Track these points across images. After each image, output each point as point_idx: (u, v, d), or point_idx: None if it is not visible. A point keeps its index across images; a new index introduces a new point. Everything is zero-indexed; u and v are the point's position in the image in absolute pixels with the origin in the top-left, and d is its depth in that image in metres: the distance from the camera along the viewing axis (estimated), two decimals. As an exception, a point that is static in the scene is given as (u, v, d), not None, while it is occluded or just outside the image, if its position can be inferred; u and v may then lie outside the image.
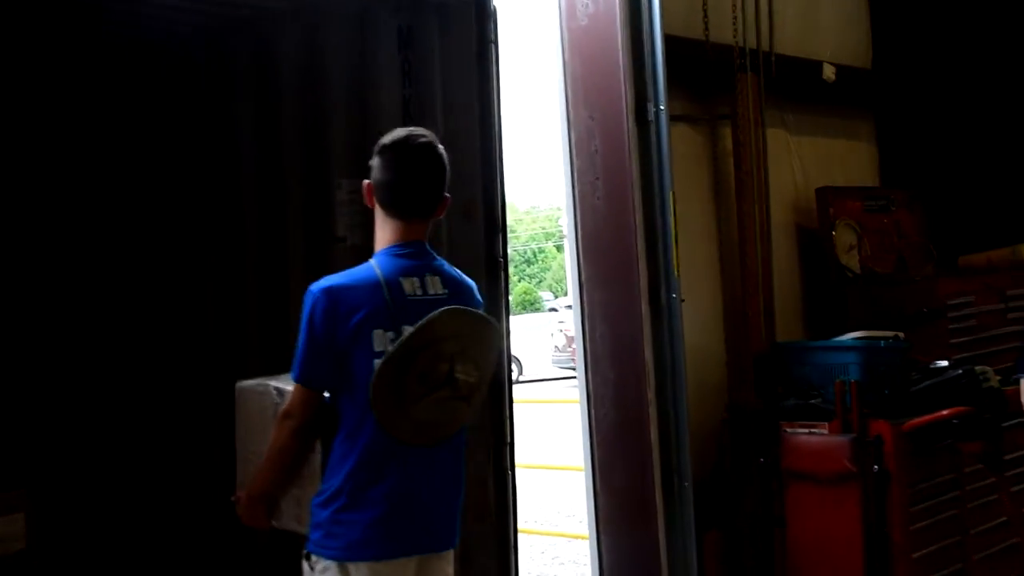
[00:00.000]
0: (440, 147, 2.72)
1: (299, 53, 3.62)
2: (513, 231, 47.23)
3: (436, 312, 2.54)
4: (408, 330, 2.53)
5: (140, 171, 3.22)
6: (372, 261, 2.67)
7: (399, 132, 2.73)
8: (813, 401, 4.16)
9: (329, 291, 2.59)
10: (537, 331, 21.68)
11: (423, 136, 2.72)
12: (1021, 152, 5.28)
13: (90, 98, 3.08)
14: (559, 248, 40.44)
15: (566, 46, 4.20)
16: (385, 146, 2.69)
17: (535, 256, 47.10)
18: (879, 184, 5.59)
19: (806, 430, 4.09)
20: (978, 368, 4.18)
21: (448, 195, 2.76)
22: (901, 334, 4.33)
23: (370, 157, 2.71)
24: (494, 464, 3.87)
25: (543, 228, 46.87)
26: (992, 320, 4.78)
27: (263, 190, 3.48)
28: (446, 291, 2.68)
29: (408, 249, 2.68)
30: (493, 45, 4.02)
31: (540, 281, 43.39)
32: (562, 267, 34.20)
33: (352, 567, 2.59)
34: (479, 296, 2.83)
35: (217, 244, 3.69)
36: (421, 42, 3.82)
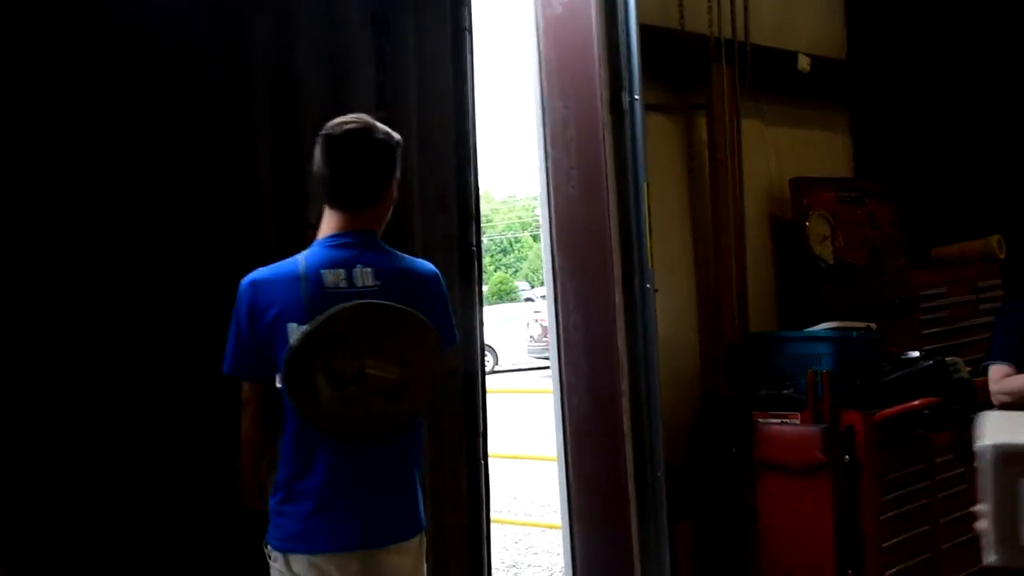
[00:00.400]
0: (378, 133, 2.67)
1: (270, 40, 3.59)
2: (490, 221, 47.23)
3: (337, 307, 2.49)
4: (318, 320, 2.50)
5: (104, 157, 3.18)
6: (302, 253, 2.63)
7: (332, 121, 2.69)
8: (786, 391, 4.17)
9: (252, 284, 2.60)
10: (513, 321, 21.67)
11: (352, 123, 2.67)
12: (993, 144, 5.32)
13: (50, 85, 3.04)
14: (535, 238, 40.49)
15: (541, 34, 4.18)
16: (319, 136, 2.66)
17: (511, 246, 47.12)
18: (853, 175, 5.62)
19: (778, 420, 4.11)
20: (949, 359, 4.21)
21: (394, 182, 2.71)
22: (873, 325, 4.36)
23: None
24: (467, 454, 3.85)
25: (520, 218, 46.91)
26: (963, 311, 4.82)
27: (233, 178, 3.44)
28: (377, 284, 2.61)
29: (343, 240, 2.64)
30: (468, 33, 4.00)
31: (516, 271, 43.41)
32: (538, 257, 34.28)
33: (293, 559, 2.59)
34: (436, 289, 2.75)
35: (185, 231, 3.65)
36: (395, 30, 3.79)
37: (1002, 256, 4.99)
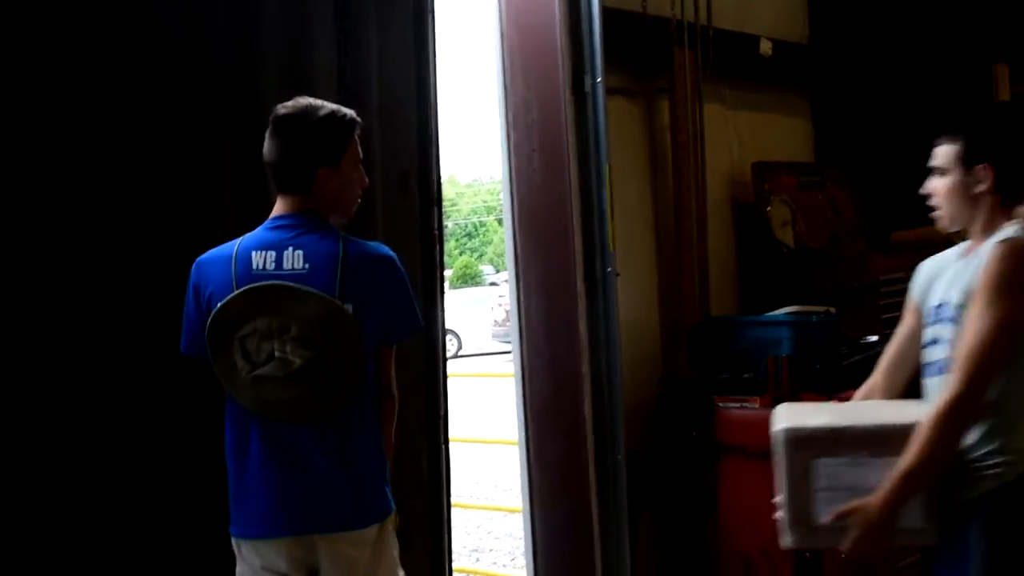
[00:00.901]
0: (317, 114, 2.66)
1: (230, 21, 3.54)
2: (454, 204, 47.18)
3: (238, 290, 2.53)
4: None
5: (58, 142, 3.12)
6: (244, 235, 2.66)
7: (279, 106, 2.72)
8: (746, 375, 4.19)
9: (197, 265, 2.66)
10: (477, 305, 21.67)
11: (287, 107, 2.68)
12: (951, 129, 5.35)
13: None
14: (500, 222, 40.38)
15: (504, 16, 4.16)
16: (269, 121, 2.70)
17: (476, 229, 47.10)
18: (814, 160, 5.64)
19: (738, 404, 4.13)
20: (907, 343, 4.23)
21: (343, 162, 2.68)
22: (833, 309, 4.39)
23: None
24: (428, 438, 3.84)
25: (484, 202, 46.89)
26: (922, 296, 4.85)
27: (193, 162, 3.40)
28: (306, 266, 2.58)
29: (281, 222, 2.64)
30: (430, 16, 3.97)
31: (481, 255, 43.41)
32: (503, 241, 34.31)
33: (242, 544, 2.62)
34: (391, 273, 2.70)
35: (145, 216, 3.61)
36: (357, 12, 3.76)
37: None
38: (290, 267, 2.58)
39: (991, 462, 2.55)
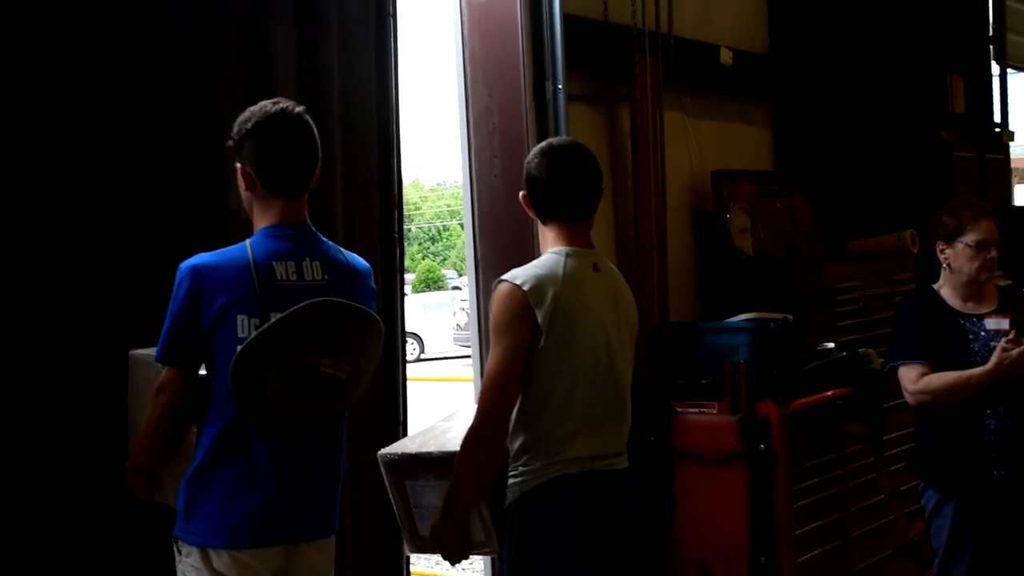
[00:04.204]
0: (307, 116, 2.66)
1: (189, 22, 3.52)
2: (418, 208, 47.08)
3: (298, 306, 2.45)
4: (277, 317, 2.45)
5: (14, 140, 3.09)
6: (248, 241, 2.57)
7: (267, 106, 2.62)
8: (704, 381, 4.22)
9: (196, 270, 2.52)
10: (440, 309, 21.61)
11: (296, 107, 2.63)
12: (906, 141, 5.44)
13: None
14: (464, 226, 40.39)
15: (465, 22, 4.17)
16: (260, 123, 2.59)
17: (440, 234, 47.01)
18: (774, 169, 5.69)
19: (696, 410, 4.15)
20: (862, 350, 4.29)
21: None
22: (790, 316, 4.42)
23: None
24: (387, 443, 3.83)
25: (449, 206, 46.80)
26: (878, 304, 4.92)
27: (152, 164, 3.38)
28: (325, 277, 2.59)
29: (289, 231, 2.59)
30: (391, 19, 3.97)
31: (444, 259, 43.32)
32: (466, 245, 34.16)
33: (213, 554, 2.52)
34: (370, 283, 2.75)
35: (103, 216, 3.58)
36: (318, 14, 3.75)
37: (915, 250, 5.10)
38: (311, 278, 2.57)
39: (519, 471, 2.75)
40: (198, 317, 2.50)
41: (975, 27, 6.33)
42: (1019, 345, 3.33)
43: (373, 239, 3.87)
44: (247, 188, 2.64)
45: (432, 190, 51.18)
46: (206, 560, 2.52)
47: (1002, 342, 3.37)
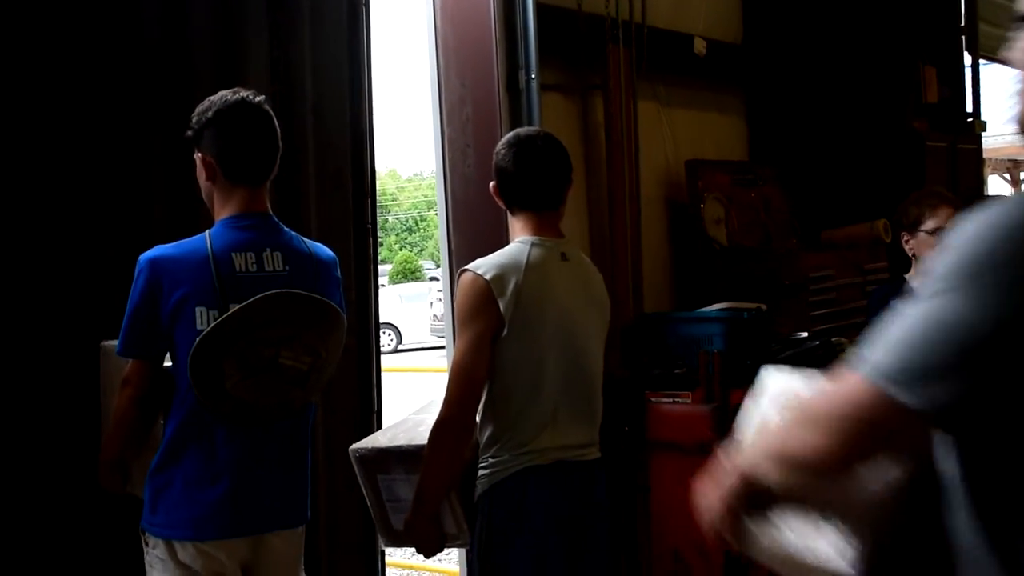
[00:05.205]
0: (267, 104, 2.65)
1: (160, 11, 3.49)
2: (395, 199, 46.97)
3: (255, 298, 2.43)
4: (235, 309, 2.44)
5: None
6: (208, 232, 2.55)
7: (227, 95, 2.60)
8: (677, 371, 4.23)
9: (153, 262, 2.49)
10: (417, 300, 21.58)
11: (255, 96, 2.61)
12: (879, 131, 5.47)
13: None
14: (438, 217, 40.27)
15: (438, 11, 4.15)
16: (220, 111, 2.56)
17: (417, 224, 46.94)
18: (748, 159, 5.71)
19: (670, 399, 4.16)
20: (834, 339, 4.31)
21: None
22: (764, 306, 4.44)
23: None
24: (361, 434, 3.83)
25: (426, 196, 46.72)
26: (850, 293, 4.95)
27: (123, 154, 3.35)
28: (286, 268, 2.57)
29: (249, 221, 2.57)
30: (364, 8, 3.96)
31: (421, 250, 43.25)
32: (443, 236, 34.01)
33: (178, 546, 2.51)
34: (336, 273, 2.73)
35: (74, 207, 3.55)
36: (291, 4, 3.73)
37: (888, 240, 5.13)
38: (271, 268, 2.55)
39: (488, 463, 2.76)
40: (157, 309, 2.48)
41: (947, 17, 6.36)
42: None
43: (347, 230, 3.86)
44: (208, 178, 2.62)
45: (409, 180, 51.08)
46: (171, 552, 2.52)
47: None
